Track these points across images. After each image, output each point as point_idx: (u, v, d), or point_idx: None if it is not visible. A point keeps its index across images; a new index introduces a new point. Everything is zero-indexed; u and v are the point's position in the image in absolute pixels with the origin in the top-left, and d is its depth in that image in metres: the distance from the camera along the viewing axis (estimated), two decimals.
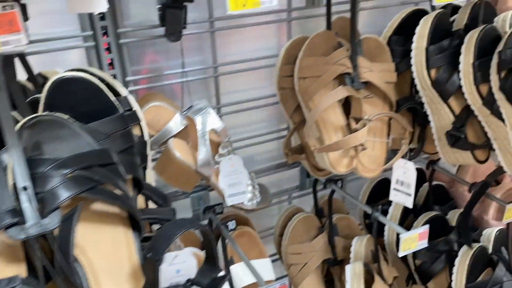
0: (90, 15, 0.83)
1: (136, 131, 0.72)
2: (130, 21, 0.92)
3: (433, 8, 1.01)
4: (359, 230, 1.18)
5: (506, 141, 0.87)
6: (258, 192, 0.99)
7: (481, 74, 0.86)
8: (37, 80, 0.73)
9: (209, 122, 0.87)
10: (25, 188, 0.42)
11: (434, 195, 1.24)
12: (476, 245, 1.03)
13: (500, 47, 0.84)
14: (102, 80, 0.69)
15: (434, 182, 1.27)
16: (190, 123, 0.89)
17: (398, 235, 0.96)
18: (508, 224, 1.01)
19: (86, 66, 0.89)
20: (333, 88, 0.88)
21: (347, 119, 0.92)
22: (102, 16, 0.84)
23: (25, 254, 0.45)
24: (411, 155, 1.06)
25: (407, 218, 1.18)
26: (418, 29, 0.92)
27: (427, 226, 0.91)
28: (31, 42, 0.78)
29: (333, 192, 1.10)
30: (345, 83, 0.89)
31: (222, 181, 0.90)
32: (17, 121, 0.48)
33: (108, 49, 0.88)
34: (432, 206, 1.20)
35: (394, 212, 1.16)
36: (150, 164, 0.74)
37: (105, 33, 0.86)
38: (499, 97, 0.82)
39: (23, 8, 0.74)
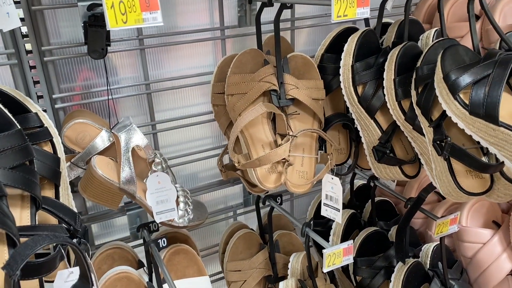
0: (13, 33, 0.83)
1: (47, 148, 0.72)
2: (60, 39, 0.93)
3: (366, 25, 1.03)
4: (302, 247, 1.18)
5: (435, 157, 0.88)
6: (190, 209, 0.99)
7: (402, 90, 0.87)
8: None
9: (133, 139, 0.87)
10: None
11: (380, 211, 1.24)
12: (410, 261, 1.03)
13: (418, 63, 0.85)
14: (12, 97, 0.69)
15: (380, 198, 1.28)
16: (116, 140, 0.89)
17: None
18: (440, 238, 1.02)
19: (12, 85, 0.89)
20: None
21: (274, 136, 0.93)
22: (26, 35, 0.85)
23: None
24: (346, 170, 1.07)
25: (353, 234, 1.19)
26: (345, 47, 0.93)
27: (351, 242, 0.90)
28: None
29: (272, 208, 1.10)
30: (271, 99, 0.90)
31: (150, 198, 0.90)
32: None
33: (34, 67, 0.88)
34: (377, 222, 1.21)
35: (337, 228, 1.16)
36: (65, 180, 0.74)
37: (31, 51, 0.87)
38: (418, 112, 0.83)
39: None
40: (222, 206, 1.26)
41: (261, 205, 1.16)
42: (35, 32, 0.85)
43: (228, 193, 1.26)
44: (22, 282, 0.49)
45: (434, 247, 1.08)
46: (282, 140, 0.89)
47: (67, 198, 0.75)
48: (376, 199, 1.27)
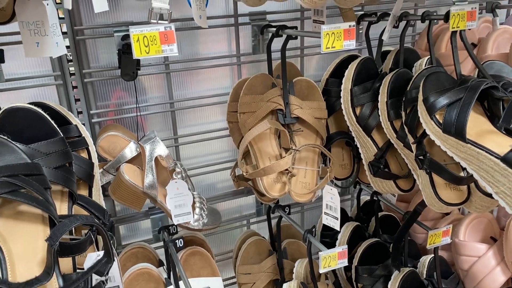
0: (60, 59, 0.99)
1: (84, 154, 0.86)
2: (99, 63, 1.09)
3: (369, 53, 1.15)
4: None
5: (419, 171, 0.97)
6: (205, 214, 1.11)
7: (394, 111, 0.97)
8: None
9: (156, 149, 1.00)
10: None
11: (385, 225, 1.32)
12: (406, 269, 1.11)
13: (408, 87, 0.96)
14: (57, 111, 0.84)
15: (386, 213, 1.36)
16: (142, 150, 1.02)
17: None
18: (434, 249, 1.09)
19: (57, 101, 1.05)
20: None
21: (280, 150, 1.04)
22: (71, 60, 1.01)
23: None
24: (348, 183, 1.16)
25: (357, 245, 1.27)
26: (346, 73, 1.05)
27: (345, 247, 1.00)
28: (7, 80, 0.96)
29: (281, 217, 1.21)
30: (278, 118, 1.02)
31: (169, 202, 1.02)
32: None
33: (76, 87, 1.04)
34: (381, 235, 1.29)
35: (342, 239, 1.26)
36: (97, 183, 0.87)
37: (74, 73, 1.03)
38: (406, 130, 0.93)
39: (1, 52, 0.91)
40: (237, 215, 1.37)
41: (272, 215, 1.27)
42: (78, 57, 1.00)
43: (242, 203, 1.37)
44: (60, 261, 0.62)
45: (431, 258, 1.15)
46: (286, 153, 1.00)
47: (98, 198, 0.89)
48: (382, 214, 1.35)
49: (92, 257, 0.72)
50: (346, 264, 1.00)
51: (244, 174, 1.00)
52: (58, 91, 1.03)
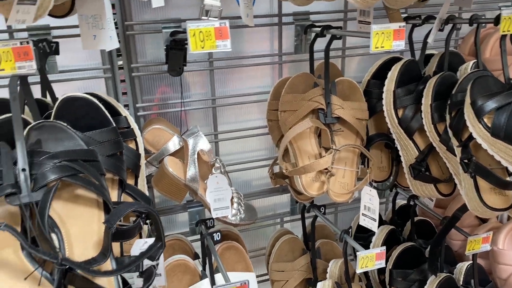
0: (110, 52, 1.03)
1: (132, 145, 0.89)
2: (145, 58, 1.12)
3: (412, 55, 1.14)
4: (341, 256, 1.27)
5: (463, 175, 0.96)
6: (243, 209, 1.12)
7: (438, 114, 0.97)
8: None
9: (199, 144, 1.03)
10: (23, 170, 0.59)
11: (420, 230, 1.31)
12: (443, 275, 1.10)
13: (454, 90, 0.95)
14: (108, 102, 0.87)
15: (420, 218, 1.35)
16: (184, 144, 1.05)
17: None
18: (473, 255, 1.07)
19: (105, 93, 1.08)
20: None
21: (319, 149, 1.05)
22: (120, 54, 1.04)
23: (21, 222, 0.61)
24: (386, 186, 1.16)
25: (392, 249, 1.26)
26: (389, 74, 1.05)
27: (384, 248, 0.99)
28: (61, 72, 0.99)
29: (316, 216, 1.21)
30: (318, 117, 1.02)
31: (209, 196, 1.04)
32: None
33: (124, 81, 1.07)
34: (416, 239, 1.28)
35: (376, 242, 1.25)
36: (143, 173, 0.90)
37: (122, 67, 1.06)
38: (450, 134, 0.93)
39: (56, 45, 0.95)
40: (271, 213, 1.39)
41: (306, 215, 1.27)
42: (127, 52, 1.04)
43: (277, 202, 1.38)
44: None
45: (468, 265, 1.13)
46: (326, 153, 1.01)
47: (143, 188, 0.91)
48: (417, 219, 1.34)
49: (139, 243, 0.74)
50: (383, 265, 1.00)
51: (284, 171, 1.01)
52: (107, 84, 1.07)
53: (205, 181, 1.06)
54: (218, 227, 1.21)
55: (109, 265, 0.60)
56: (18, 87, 0.67)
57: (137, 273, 0.63)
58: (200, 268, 1.14)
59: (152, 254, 0.62)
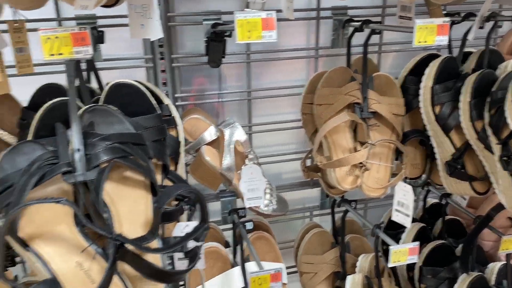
0: (152, 43, 1.06)
1: (173, 133, 0.92)
2: (184, 50, 1.15)
3: (449, 53, 1.13)
4: (372, 251, 1.27)
5: (501, 173, 0.96)
6: (275, 201, 1.14)
7: (476, 112, 0.96)
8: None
9: (235, 134, 1.05)
10: (78, 150, 0.62)
11: (450, 229, 1.30)
12: (474, 274, 1.09)
13: (493, 88, 0.94)
14: (151, 90, 0.90)
15: (451, 217, 1.34)
16: (221, 134, 1.07)
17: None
18: (507, 255, 1.06)
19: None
20: None
21: (354, 143, 1.05)
22: (161, 44, 1.07)
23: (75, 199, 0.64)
24: (419, 183, 1.16)
25: (422, 246, 1.26)
26: (427, 71, 1.05)
27: (417, 243, 1.00)
28: (104, 60, 1.03)
29: (346, 211, 1.22)
30: (354, 111, 1.03)
31: (242, 185, 1.06)
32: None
33: (164, 71, 1.10)
34: (446, 238, 1.27)
35: (406, 239, 1.25)
36: (182, 161, 0.93)
37: (163, 58, 1.09)
38: (489, 131, 0.92)
39: (101, 34, 0.98)
40: (300, 207, 1.40)
41: (336, 209, 1.28)
42: (168, 42, 1.06)
43: (306, 195, 1.39)
44: None
45: (500, 265, 1.12)
46: (361, 147, 1.02)
47: (182, 174, 0.94)
48: (448, 217, 1.33)
49: (181, 226, 0.77)
50: (415, 260, 1.00)
51: (319, 164, 1.02)
52: (148, 73, 1.10)
53: (238, 171, 1.08)
54: (249, 217, 1.23)
55: (156, 244, 0.63)
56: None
57: (181, 254, 0.65)
58: (231, 256, 1.17)
59: (197, 236, 0.64)
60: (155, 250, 0.58)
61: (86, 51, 0.63)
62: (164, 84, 1.11)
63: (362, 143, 1.03)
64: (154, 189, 0.68)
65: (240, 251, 1.12)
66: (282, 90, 1.22)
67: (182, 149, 0.91)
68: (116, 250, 0.54)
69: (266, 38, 0.70)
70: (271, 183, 1.15)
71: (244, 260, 1.12)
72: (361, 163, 1.00)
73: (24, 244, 0.57)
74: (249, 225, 1.13)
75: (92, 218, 0.60)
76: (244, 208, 1.19)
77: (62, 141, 0.63)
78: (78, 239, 0.60)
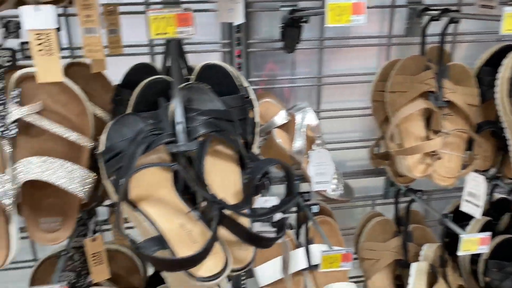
0: (230, 28, 1.10)
1: (250, 114, 0.96)
2: (259, 35, 1.18)
3: None
4: (434, 242, 1.27)
5: None
6: (342, 186, 1.16)
7: None
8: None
9: (306, 118, 1.07)
10: (180, 123, 0.67)
11: None
12: None
13: None
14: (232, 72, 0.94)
15: None
16: (291, 118, 1.10)
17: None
18: None
19: None
20: None
21: (427, 132, 1.06)
22: (238, 30, 1.11)
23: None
24: (488, 176, 1.14)
25: None
26: (505, 61, 1.03)
27: (489, 233, 0.99)
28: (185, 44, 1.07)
29: (412, 200, 1.22)
30: (428, 100, 1.03)
31: (311, 169, 1.09)
32: None
33: (239, 56, 1.14)
34: None
35: (472, 231, 1.24)
36: (257, 141, 0.97)
37: (238, 43, 1.13)
38: None
39: None
40: (362, 195, 1.41)
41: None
42: (246, 28, 1.10)
43: (369, 184, 1.40)
44: None
45: None
46: (434, 136, 1.02)
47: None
48: None
49: (261, 200, 0.81)
50: (486, 251, 1.00)
51: (391, 151, 1.03)
52: (224, 58, 1.14)
53: (305, 155, 1.10)
54: (312, 201, 1.26)
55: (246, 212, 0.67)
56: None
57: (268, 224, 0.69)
58: (294, 237, 1.20)
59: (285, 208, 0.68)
60: (254, 216, 0.62)
61: (188, 32, 0.68)
62: (239, 68, 1.15)
63: (435, 132, 1.03)
64: (242, 162, 0.72)
65: (305, 232, 1.15)
66: (352, 77, 1.23)
67: (257, 130, 0.95)
68: (219, 214, 0.58)
69: (355, 22, 0.72)
70: (338, 169, 1.17)
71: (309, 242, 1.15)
72: (434, 151, 1.00)
73: (133, 205, 0.62)
74: (315, 208, 1.16)
75: (190, 185, 0.64)
76: (308, 192, 1.22)
77: (165, 114, 0.68)
78: (178, 203, 0.65)
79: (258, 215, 0.65)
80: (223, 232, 0.62)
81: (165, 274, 0.59)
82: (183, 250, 0.59)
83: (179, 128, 0.66)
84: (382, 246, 1.24)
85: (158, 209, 0.63)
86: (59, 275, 0.91)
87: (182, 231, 0.61)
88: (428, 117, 1.07)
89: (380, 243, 1.24)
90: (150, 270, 1.23)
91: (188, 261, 0.53)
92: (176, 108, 0.67)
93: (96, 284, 1.09)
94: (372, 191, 1.41)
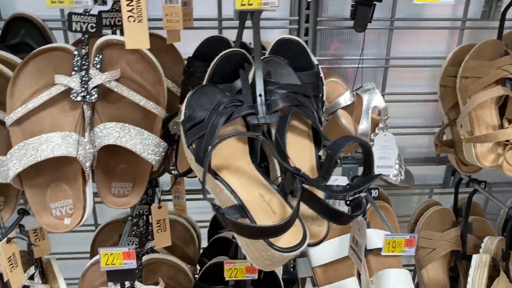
0: (299, 5, 1.08)
1: None
2: (326, 13, 1.16)
3: None
4: (494, 235, 1.23)
5: None
6: (403, 172, 1.14)
7: None
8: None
9: (374, 100, 1.05)
10: (260, 95, 0.67)
11: None
12: None
13: None
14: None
15: None
16: (357, 100, 1.08)
17: None
18: None
19: None
20: None
21: (500, 120, 1.01)
22: (307, 6, 1.09)
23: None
24: None
25: None
26: None
27: None
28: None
29: (475, 191, 1.18)
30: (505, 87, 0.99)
31: (375, 152, 1.07)
32: None
33: (306, 33, 1.13)
34: None
35: None
36: (322, 120, 0.96)
37: (306, 20, 1.11)
38: None
39: None
40: (419, 183, 1.38)
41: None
42: (316, 5, 1.08)
43: (428, 173, 1.37)
44: None
45: None
46: (509, 125, 0.98)
47: None
48: None
49: (332, 179, 0.80)
50: None
51: (462, 138, 1.00)
52: (290, 34, 1.13)
53: (374, 138, 1.08)
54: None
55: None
56: None
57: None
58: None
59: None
60: (327, 190, 0.62)
61: (273, 3, 0.68)
62: None
63: (509, 121, 0.98)
64: (317, 139, 0.72)
65: (362, 216, 1.14)
66: (420, 60, 1.19)
67: (324, 108, 0.94)
68: (301, 187, 0.58)
69: (445, 1, 0.69)
70: (400, 154, 1.15)
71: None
72: (507, 141, 0.96)
73: (214, 174, 0.63)
74: (375, 193, 1.14)
75: (276, 157, 0.64)
76: None
77: (245, 86, 0.68)
78: (257, 174, 0.65)
79: (340, 191, 0.64)
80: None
81: (242, 242, 0.60)
82: (263, 220, 0.59)
83: (259, 100, 0.66)
84: (439, 235, 1.21)
85: (237, 179, 0.63)
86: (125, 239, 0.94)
87: (262, 202, 0.61)
88: (501, 105, 1.03)
89: (437, 233, 1.21)
90: (204, 243, 1.26)
91: (272, 231, 0.54)
92: (256, 80, 0.67)
93: (154, 251, 1.13)
94: (430, 179, 1.38)
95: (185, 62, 0.93)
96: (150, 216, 1.05)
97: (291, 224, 0.54)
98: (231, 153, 0.66)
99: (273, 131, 0.67)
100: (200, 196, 1.25)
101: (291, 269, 1.35)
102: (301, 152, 0.70)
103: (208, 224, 1.26)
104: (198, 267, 1.19)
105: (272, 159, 0.70)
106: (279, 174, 0.68)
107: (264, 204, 0.61)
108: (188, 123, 0.68)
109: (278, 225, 0.53)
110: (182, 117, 0.69)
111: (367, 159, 0.66)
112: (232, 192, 0.61)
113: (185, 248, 1.20)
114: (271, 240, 0.56)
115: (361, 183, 0.65)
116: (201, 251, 1.22)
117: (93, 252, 1.15)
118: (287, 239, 0.58)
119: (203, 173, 0.58)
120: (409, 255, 0.93)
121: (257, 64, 0.68)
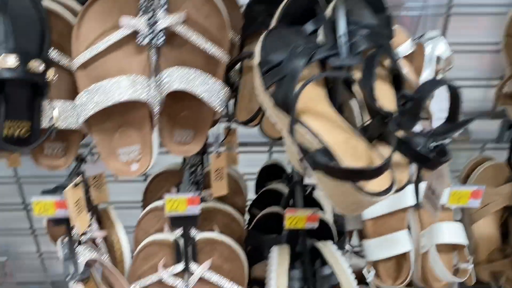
0: None
1: None
2: None
3: None
4: None
5: None
6: None
7: None
8: None
9: (438, 48, 1.01)
10: (343, 35, 0.63)
11: None
12: None
13: None
14: None
15: None
16: (419, 48, 1.03)
17: None
18: None
19: None
20: None
21: None
22: None
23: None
24: None
25: None
26: None
27: None
28: None
29: None
30: None
31: (433, 104, 1.03)
32: None
33: None
34: None
35: None
36: None
37: None
38: None
39: None
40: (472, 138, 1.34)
41: None
42: None
43: (481, 128, 1.32)
44: None
45: None
46: None
47: None
48: None
49: None
50: None
51: None
52: None
53: None
54: None
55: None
56: None
57: None
58: None
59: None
60: (423, 136, 0.60)
61: None
62: None
63: None
64: (398, 82, 0.69)
65: (416, 169, 1.12)
66: (482, 7, 1.13)
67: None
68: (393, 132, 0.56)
69: None
70: None
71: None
72: None
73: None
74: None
75: (367, 99, 0.61)
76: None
77: (326, 26, 0.65)
78: (338, 119, 0.63)
79: (428, 137, 0.62)
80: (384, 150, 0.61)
81: (327, 185, 0.58)
82: (350, 164, 0.58)
83: (342, 41, 0.63)
84: (493, 190, 1.19)
85: (320, 123, 0.61)
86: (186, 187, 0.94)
87: (347, 146, 0.59)
88: None
89: (491, 188, 1.19)
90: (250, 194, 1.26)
91: (367, 174, 0.52)
92: (339, 20, 0.64)
93: (203, 200, 1.13)
94: (482, 135, 1.34)
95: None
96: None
97: (387, 168, 0.53)
98: (311, 97, 0.64)
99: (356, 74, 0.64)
100: (247, 148, 1.25)
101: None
102: (382, 97, 0.67)
103: (254, 177, 1.26)
104: (247, 216, 1.20)
105: (349, 105, 0.68)
106: (357, 121, 0.66)
107: (350, 149, 0.59)
108: (265, 65, 0.65)
109: (374, 168, 0.52)
110: (257, 60, 0.67)
111: (453, 104, 0.63)
112: (316, 136, 0.59)
113: (234, 197, 1.20)
114: (361, 184, 0.55)
115: (447, 129, 0.62)
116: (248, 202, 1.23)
117: (146, 201, 1.16)
118: (376, 183, 0.56)
119: (291, 114, 0.56)
120: (473, 207, 0.91)
121: (338, 2, 0.64)
